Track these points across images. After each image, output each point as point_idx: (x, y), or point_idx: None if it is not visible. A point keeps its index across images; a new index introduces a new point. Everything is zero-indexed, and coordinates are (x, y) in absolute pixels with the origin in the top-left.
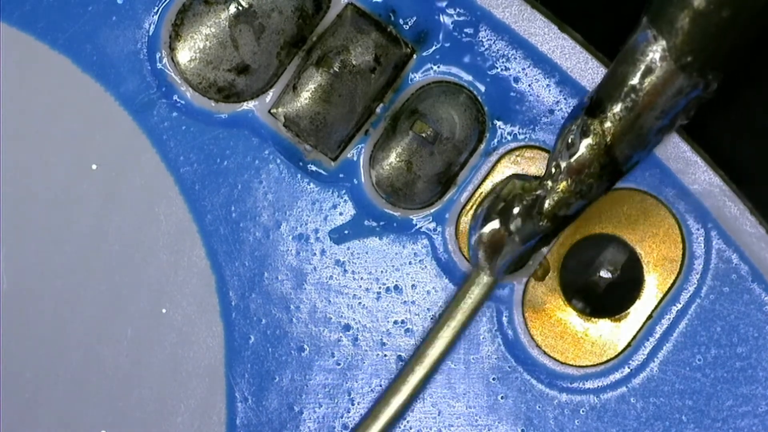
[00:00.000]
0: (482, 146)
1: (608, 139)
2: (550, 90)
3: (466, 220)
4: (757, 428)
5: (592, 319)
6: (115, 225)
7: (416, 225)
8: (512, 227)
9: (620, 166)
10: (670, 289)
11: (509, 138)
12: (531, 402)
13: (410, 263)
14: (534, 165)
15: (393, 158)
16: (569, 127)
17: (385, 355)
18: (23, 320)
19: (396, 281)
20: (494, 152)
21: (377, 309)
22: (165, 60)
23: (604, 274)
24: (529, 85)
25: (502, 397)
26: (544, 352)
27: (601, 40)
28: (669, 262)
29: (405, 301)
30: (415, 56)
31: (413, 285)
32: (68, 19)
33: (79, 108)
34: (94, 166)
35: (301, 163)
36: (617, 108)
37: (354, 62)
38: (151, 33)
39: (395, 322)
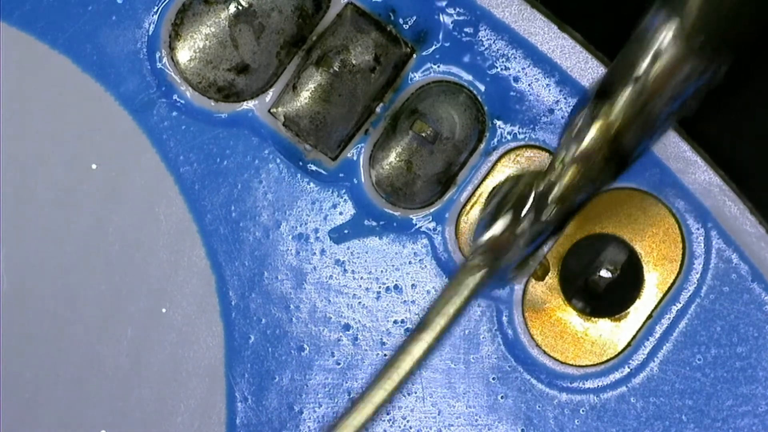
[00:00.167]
0: (482, 146)
1: (618, 124)
2: (549, 89)
3: (466, 219)
4: (757, 428)
5: (592, 318)
6: (115, 225)
7: (416, 225)
8: (523, 218)
9: (628, 152)
10: (670, 288)
11: (509, 137)
12: (531, 402)
13: (410, 263)
14: (534, 165)
15: (393, 158)
16: (578, 112)
17: (385, 355)
18: (23, 320)
19: (396, 281)
20: (494, 152)
21: (377, 309)
22: (165, 59)
23: (604, 273)
24: (529, 85)
25: (502, 397)
26: (544, 352)
27: (601, 40)
28: (669, 261)
29: (405, 301)
30: (414, 56)
31: (413, 285)
32: (68, 19)
33: (79, 108)
34: (94, 166)
35: (301, 163)
36: (627, 92)
37: (354, 62)
38: (150, 33)
39: (395, 322)
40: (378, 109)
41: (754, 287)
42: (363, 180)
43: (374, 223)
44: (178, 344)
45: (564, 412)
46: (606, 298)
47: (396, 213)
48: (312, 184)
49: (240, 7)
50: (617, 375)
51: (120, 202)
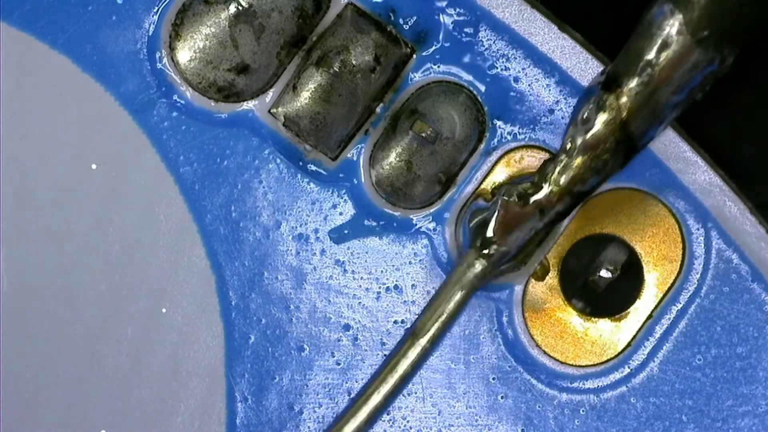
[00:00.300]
0: (482, 146)
1: (624, 114)
2: (550, 90)
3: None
4: (757, 428)
5: (592, 318)
6: (115, 225)
7: (416, 225)
8: (528, 201)
9: (636, 141)
10: (670, 288)
11: (509, 138)
12: (531, 402)
13: (410, 263)
14: (534, 165)
15: (393, 158)
16: (585, 102)
17: (385, 355)
18: (23, 320)
19: (396, 281)
20: (494, 152)
21: (377, 309)
22: (165, 60)
23: (604, 273)
24: (529, 85)
25: (502, 397)
26: (544, 352)
27: (601, 40)
28: (669, 261)
29: (405, 301)
30: (415, 56)
31: (413, 285)
32: (68, 19)
33: (79, 108)
34: (94, 166)
35: (301, 163)
36: (633, 83)
37: (354, 62)
38: (150, 33)
39: (395, 322)
40: (378, 109)
41: (754, 287)
42: (363, 180)
43: (374, 223)
44: (178, 344)
45: (564, 412)
46: (606, 298)
47: (396, 213)
48: (312, 184)
49: (240, 8)
50: (617, 375)
51: (120, 202)
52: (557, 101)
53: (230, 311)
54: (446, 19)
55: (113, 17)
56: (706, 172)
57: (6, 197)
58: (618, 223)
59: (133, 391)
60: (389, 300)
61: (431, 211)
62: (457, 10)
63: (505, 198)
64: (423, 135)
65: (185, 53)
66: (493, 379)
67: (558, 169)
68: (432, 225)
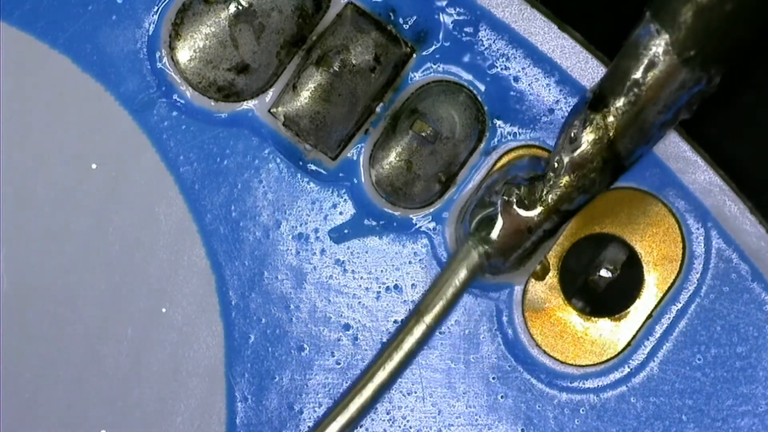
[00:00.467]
0: (482, 145)
1: (611, 134)
2: (549, 89)
3: None
4: (756, 428)
5: (592, 318)
6: (115, 225)
7: (416, 224)
8: (518, 221)
9: (623, 160)
10: (670, 288)
11: (509, 137)
12: (531, 401)
13: (410, 263)
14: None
15: (393, 157)
16: (572, 121)
17: None
18: (23, 320)
19: (396, 281)
20: (494, 151)
21: (377, 308)
22: (165, 59)
23: (604, 273)
24: (529, 85)
25: (502, 397)
26: (544, 352)
27: (601, 39)
28: (669, 261)
29: (405, 301)
30: (414, 55)
31: (413, 284)
32: (68, 18)
33: (79, 108)
34: (94, 166)
35: (300, 163)
36: (620, 102)
37: (354, 61)
38: (150, 32)
39: (395, 322)
40: (378, 109)
41: (754, 287)
42: (363, 180)
43: (374, 223)
44: (178, 344)
45: (564, 411)
46: (606, 298)
47: (396, 213)
48: (312, 184)
49: (240, 7)
50: (617, 375)
51: (120, 202)
52: (557, 101)
53: (230, 311)
54: (446, 19)
55: (113, 17)
56: (706, 172)
57: (6, 197)
58: (618, 223)
59: (133, 391)
60: (389, 300)
61: (431, 210)
62: (457, 9)
63: (504, 198)
64: (423, 134)
65: (185, 53)
66: (493, 378)
67: (545, 189)
68: (432, 225)
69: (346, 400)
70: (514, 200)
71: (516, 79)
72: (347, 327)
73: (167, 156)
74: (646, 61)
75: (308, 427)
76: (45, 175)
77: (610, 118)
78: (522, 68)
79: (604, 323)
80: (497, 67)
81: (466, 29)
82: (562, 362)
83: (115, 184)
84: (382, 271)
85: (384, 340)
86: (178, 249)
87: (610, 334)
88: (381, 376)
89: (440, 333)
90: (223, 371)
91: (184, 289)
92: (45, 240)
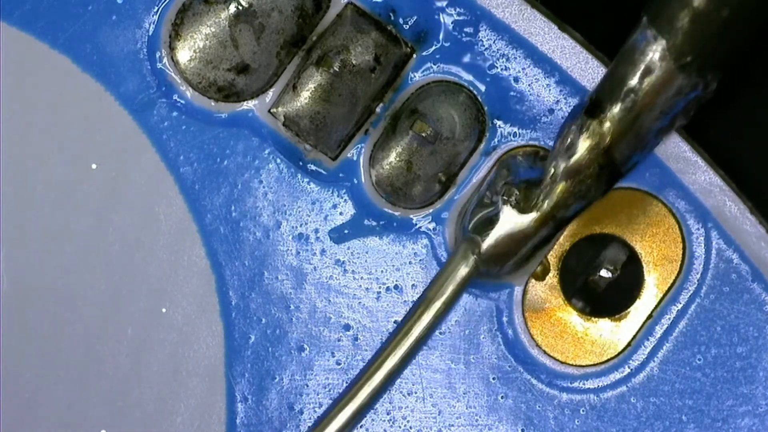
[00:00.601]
0: (482, 146)
1: (607, 140)
2: (549, 89)
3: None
4: (757, 428)
5: (592, 318)
6: (115, 225)
7: (416, 225)
8: (513, 225)
9: (619, 167)
10: (670, 288)
11: (509, 137)
12: (531, 402)
13: (410, 263)
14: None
15: (393, 158)
16: (568, 127)
17: None
18: (23, 320)
19: (396, 281)
20: (494, 152)
21: (377, 309)
22: (165, 59)
23: (604, 273)
24: (529, 85)
25: (502, 397)
26: (544, 352)
27: (601, 40)
28: (669, 261)
29: (405, 301)
30: (415, 56)
31: (413, 285)
32: (68, 18)
33: (79, 108)
34: (94, 166)
35: (301, 163)
36: (616, 108)
37: (354, 62)
38: (150, 32)
39: (395, 322)
40: (378, 109)
41: (754, 287)
42: (363, 180)
43: (374, 223)
44: (178, 344)
45: (564, 412)
46: (606, 299)
47: (396, 213)
48: (312, 184)
49: (240, 7)
50: (617, 375)
51: (120, 202)
52: (557, 101)
53: (230, 311)
54: (446, 19)
55: (113, 17)
56: (706, 172)
57: (6, 197)
58: (618, 223)
59: (133, 391)
60: (389, 300)
61: (431, 211)
62: (457, 9)
63: (504, 198)
64: (423, 135)
65: (185, 53)
66: (494, 379)
67: (541, 195)
68: (432, 225)
69: (356, 387)
70: (514, 201)
71: (516, 79)
72: (347, 327)
73: (167, 156)
74: (642, 67)
75: (308, 427)
76: (45, 175)
77: (607, 125)
78: (522, 68)
79: (604, 323)
80: (497, 68)
81: (466, 29)
82: (562, 362)
83: (115, 184)
84: (382, 271)
85: (384, 340)
86: (178, 249)
87: (610, 334)
88: (365, 391)
89: (440, 333)
90: (223, 371)
91: (184, 289)
92: (45, 240)
